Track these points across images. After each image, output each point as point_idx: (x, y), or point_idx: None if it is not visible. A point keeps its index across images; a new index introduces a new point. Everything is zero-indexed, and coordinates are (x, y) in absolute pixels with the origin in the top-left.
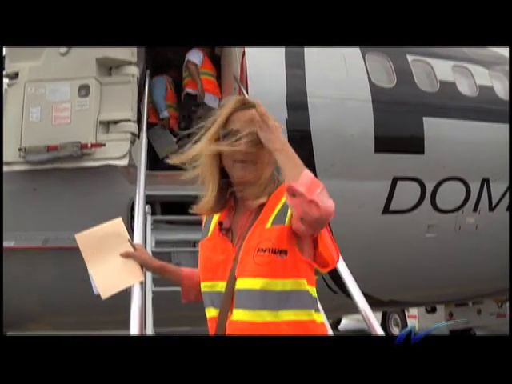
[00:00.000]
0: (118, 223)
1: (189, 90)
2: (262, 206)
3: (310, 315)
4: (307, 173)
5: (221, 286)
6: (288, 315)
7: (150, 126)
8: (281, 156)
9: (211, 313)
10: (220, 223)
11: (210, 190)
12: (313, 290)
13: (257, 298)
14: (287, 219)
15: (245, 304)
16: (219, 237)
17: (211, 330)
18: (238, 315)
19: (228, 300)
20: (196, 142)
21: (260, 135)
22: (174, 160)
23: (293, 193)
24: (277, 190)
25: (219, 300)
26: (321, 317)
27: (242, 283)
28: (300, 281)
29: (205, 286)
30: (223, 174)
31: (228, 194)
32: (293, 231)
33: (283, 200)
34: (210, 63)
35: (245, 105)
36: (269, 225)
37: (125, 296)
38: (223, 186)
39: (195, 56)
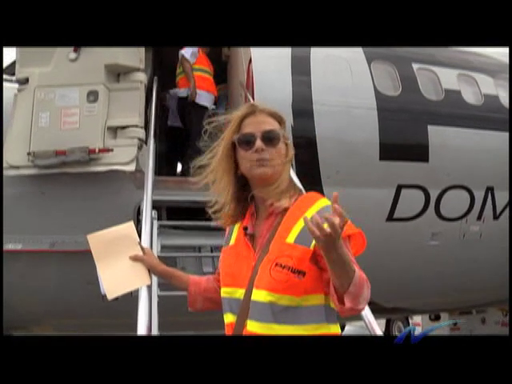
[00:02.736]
0: (129, 226)
1: (178, 90)
2: (284, 211)
3: (320, 329)
4: (355, 278)
5: (240, 293)
6: (298, 330)
7: None
8: (336, 267)
9: (229, 319)
10: (245, 228)
11: (228, 197)
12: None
13: (267, 311)
14: (313, 244)
15: (257, 316)
16: (243, 242)
17: None
18: (252, 327)
19: (246, 309)
20: (210, 153)
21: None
22: (198, 180)
23: (342, 305)
24: (301, 198)
25: (237, 307)
26: (336, 328)
27: (257, 295)
28: (316, 296)
29: (224, 292)
30: (239, 184)
31: (248, 198)
32: (316, 255)
33: (308, 215)
34: (207, 59)
35: (255, 109)
36: (291, 240)
37: (129, 300)
38: (240, 193)
39: (188, 51)
